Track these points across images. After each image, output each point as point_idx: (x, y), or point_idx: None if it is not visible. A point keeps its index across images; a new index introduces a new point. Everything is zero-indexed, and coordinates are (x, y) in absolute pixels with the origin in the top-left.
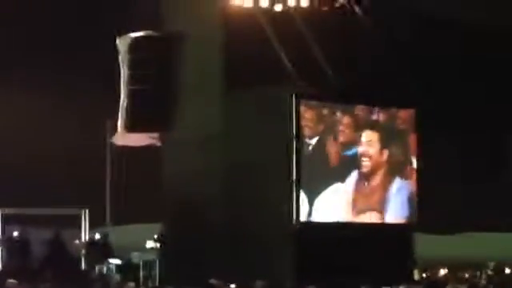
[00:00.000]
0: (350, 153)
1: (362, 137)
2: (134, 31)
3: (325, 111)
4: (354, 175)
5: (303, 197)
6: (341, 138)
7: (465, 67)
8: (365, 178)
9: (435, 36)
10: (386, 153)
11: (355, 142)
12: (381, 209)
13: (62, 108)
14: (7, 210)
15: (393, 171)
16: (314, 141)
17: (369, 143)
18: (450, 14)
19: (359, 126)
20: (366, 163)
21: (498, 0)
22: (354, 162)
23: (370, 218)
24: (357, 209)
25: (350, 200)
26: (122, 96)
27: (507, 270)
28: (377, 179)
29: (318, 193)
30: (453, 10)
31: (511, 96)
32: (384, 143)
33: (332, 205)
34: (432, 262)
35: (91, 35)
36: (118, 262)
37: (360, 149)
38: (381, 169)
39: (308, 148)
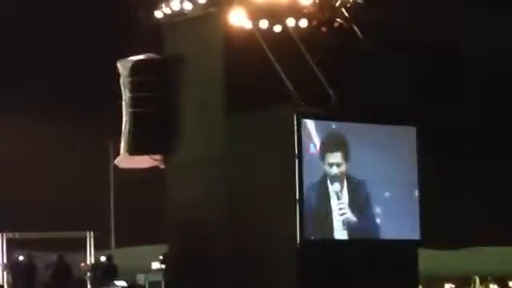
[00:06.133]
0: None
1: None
2: (134, 54)
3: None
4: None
5: (305, 215)
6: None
7: (466, 89)
8: (365, 194)
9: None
10: (387, 170)
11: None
12: (378, 225)
13: (66, 133)
14: (13, 235)
15: (396, 188)
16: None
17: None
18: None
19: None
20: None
21: (496, 29)
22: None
23: (373, 234)
24: (359, 225)
25: (352, 216)
26: (124, 119)
27: (511, 284)
28: (378, 196)
29: (320, 210)
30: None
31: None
32: (384, 160)
33: (334, 222)
34: (437, 278)
35: (92, 59)
36: (123, 283)
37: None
38: (382, 186)
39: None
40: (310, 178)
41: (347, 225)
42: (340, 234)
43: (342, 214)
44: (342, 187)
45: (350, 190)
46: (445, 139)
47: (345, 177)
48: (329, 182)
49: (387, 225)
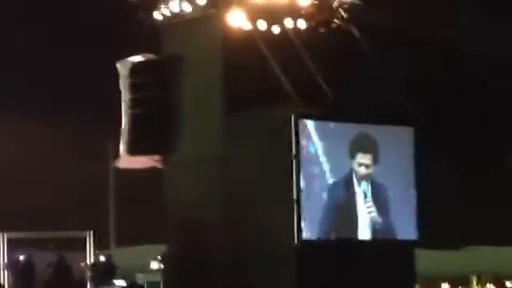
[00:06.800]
0: (346, 170)
1: (360, 154)
2: (134, 55)
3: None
4: (355, 191)
5: (304, 215)
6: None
7: (463, 89)
8: (384, 195)
9: (433, 57)
10: (386, 170)
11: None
12: (381, 225)
13: (65, 133)
14: (13, 234)
15: (393, 188)
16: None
17: (367, 160)
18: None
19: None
20: (366, 180)
21: (497, 30)
22: (352, 179)
23: (371, 234)
24: (382, 225)
25: (351, 216)
26: (124, 120)
27: (508, 284)
28: (377, 196)
29: (318, 210)
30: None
31: (509, 116)
32: (384, 160)
33: (332, 222)
34: (434, 278)
35: (92, 60)
36: (122, 283)
37: (358, 166)
38: (381, 185)
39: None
40: (312, 177)
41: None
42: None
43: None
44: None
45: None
46: (444, 139)
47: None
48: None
49: (393, 225)
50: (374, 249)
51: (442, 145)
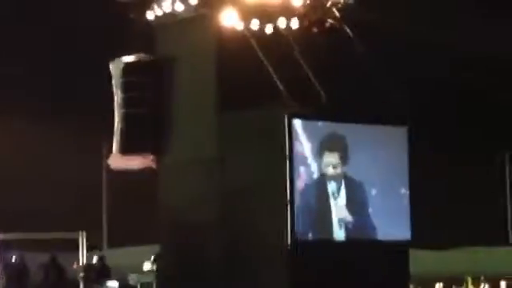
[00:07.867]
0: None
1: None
2: (126, 55)
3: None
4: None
5: (304, 214)
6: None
7: (459, 89)
8: (363, 195)
9: (429, 57)
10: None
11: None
12: (354, 225)
13: (58, 133)
14: (5, 235)
15: (386, 188)
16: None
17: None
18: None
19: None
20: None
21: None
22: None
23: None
24: (357, 226)
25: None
26: (117, 119)
27: (503, 284)
28: (374, 197)
29: (319, 209)
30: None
31: (505, 117)
32: (375, 160)
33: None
34: (427, 278)
35: (89, 60)
36: (115, 284)
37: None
38: (376, 187)
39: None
40: (302, 178)
41: (345, 225)
42: (338, 234)
43: (340, 213)
44: (338, 188)
45: (349, 190)
46: (438, 139)
47: (342, 178)
48: (326, 181)
49: (381, 225)
50: (367, 250)
51: (436, 144)
